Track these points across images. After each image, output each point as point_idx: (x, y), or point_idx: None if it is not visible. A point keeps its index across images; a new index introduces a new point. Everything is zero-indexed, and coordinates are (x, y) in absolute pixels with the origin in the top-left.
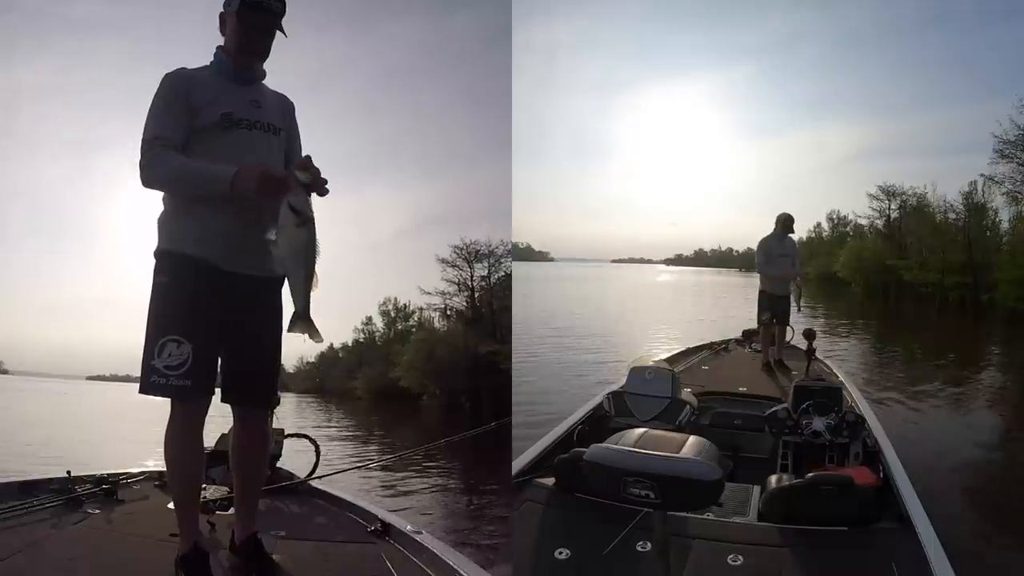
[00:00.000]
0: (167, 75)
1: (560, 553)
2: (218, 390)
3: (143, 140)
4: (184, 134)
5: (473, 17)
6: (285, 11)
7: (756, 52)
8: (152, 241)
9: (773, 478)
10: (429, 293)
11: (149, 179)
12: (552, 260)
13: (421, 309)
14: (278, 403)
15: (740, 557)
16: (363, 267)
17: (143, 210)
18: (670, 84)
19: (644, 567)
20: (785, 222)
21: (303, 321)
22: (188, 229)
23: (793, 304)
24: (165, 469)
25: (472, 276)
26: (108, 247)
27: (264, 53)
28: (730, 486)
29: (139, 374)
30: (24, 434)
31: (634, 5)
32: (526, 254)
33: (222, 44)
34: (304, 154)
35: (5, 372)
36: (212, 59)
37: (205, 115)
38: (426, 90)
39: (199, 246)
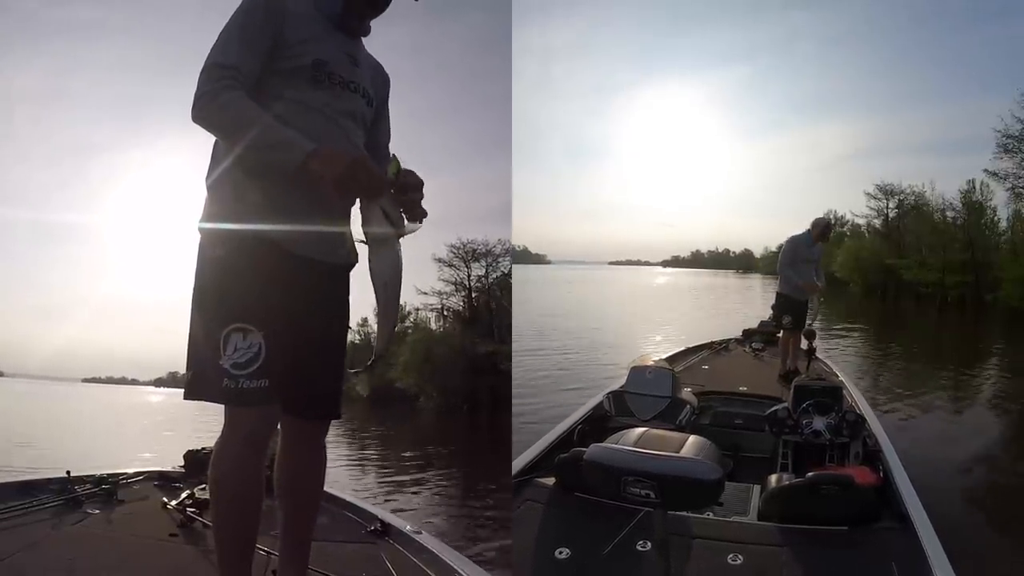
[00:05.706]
0: None
1: (560, 553)
2: None
3: (210, 63)
4: (257, 73)
5: (473, 22)
6: None
7: (752, 53)
8: (149, 245)
9: (773, 477)
10: (426, 293)
11: (208, 114)
12: (549, 263)
13: (417, 310)
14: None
15: (740, 556)
16: (358, 267)
17: (138, 211)
18: (666, 87)
19: (644, 567)
20: (824, 229)
21: (374, 365)
22: (254, 197)
23: (810, 315)
24: (212, 509)
25: (469, 276)
26: (103, 250)
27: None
28: (730, 485)
29: (135, 376)
30: (21, 437)
31: (630, 9)
32: (523, 257)
33: None
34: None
35: (1, 375)
36: None
37: (294, 55)
38: (425, 93)
39: (263, 218)
